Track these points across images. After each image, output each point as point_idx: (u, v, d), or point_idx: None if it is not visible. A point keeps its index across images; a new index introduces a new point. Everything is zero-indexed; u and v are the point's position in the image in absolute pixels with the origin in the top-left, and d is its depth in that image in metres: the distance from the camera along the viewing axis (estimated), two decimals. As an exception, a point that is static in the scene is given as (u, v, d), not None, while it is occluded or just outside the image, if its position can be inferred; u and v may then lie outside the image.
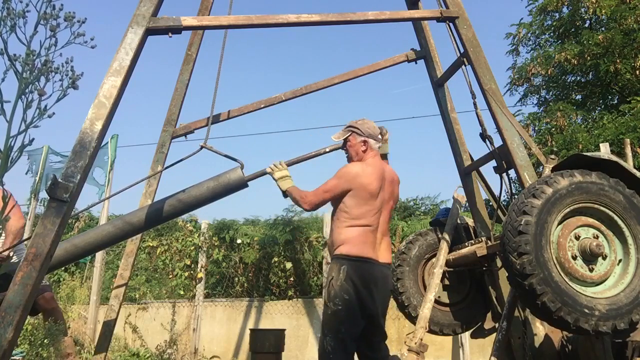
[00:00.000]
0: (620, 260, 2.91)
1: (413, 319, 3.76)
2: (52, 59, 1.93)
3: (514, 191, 3.98)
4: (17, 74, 1.88)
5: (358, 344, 2.84)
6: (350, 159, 3.13)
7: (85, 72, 1.99)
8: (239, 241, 7.81)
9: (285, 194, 3.14)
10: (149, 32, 3.07)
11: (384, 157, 3.38)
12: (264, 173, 3.30)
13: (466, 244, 3.83)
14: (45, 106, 1.90)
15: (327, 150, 3.38)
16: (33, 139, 1.88)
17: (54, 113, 1.91)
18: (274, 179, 3.12)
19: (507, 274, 3.00)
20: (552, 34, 12.21)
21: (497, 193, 3.87)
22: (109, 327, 3.93)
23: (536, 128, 11.08)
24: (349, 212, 2.87)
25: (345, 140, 3.12)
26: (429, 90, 4.62)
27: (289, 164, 3.29)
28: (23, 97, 1.87)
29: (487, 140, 3.88)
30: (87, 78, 2.03)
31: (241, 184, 3.28)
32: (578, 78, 11.92)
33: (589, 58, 10.41)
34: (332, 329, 2.76)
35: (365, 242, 2.82)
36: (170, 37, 3.15)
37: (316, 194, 2.95)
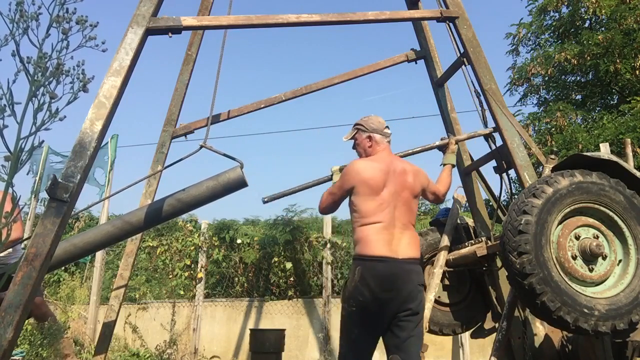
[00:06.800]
0: (620, 261, 2.91)
1: (413, 319, 3.76)
2: (63, 61, 1.92)
3: (514, 191, 3.98)
4: (29, 76, 1.87)
5: (385, 342, 2.70)
6: (360, 157, 3.06)
7: (87, 73, 1.99)
8: (239, 241, 7.80)
9: None
10: (149, 32, 3.07)
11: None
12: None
13: (466, 244, 3.83)
14: (57, 109, 1.89)
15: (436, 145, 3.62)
16: (43, 141, 1.87)
17: (65, 116, 1.90)
18: None
19: (507, 274, 3.00)
20: (552, 34, 12.22)
21: (497, 193, 3.88)
22: (109, 327, 3.93)
23: (536, 128, 11.09)
24: (357, 210, 2.76)
25: (355, 140, 3.06)
26: (425, 90, 4.63)
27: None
28: (34, 99, 1.86)
29: (487, 140, 3.89)
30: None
31: (241, 184, 3.28)
32: (578, 78, 11.94)
33: (589, 58, 10.41)
34: (345, 330, 2.71)
35: (377, 240, 2.65)
36: (170, 37, 3.15)
37: (322, 198, 2.93)
